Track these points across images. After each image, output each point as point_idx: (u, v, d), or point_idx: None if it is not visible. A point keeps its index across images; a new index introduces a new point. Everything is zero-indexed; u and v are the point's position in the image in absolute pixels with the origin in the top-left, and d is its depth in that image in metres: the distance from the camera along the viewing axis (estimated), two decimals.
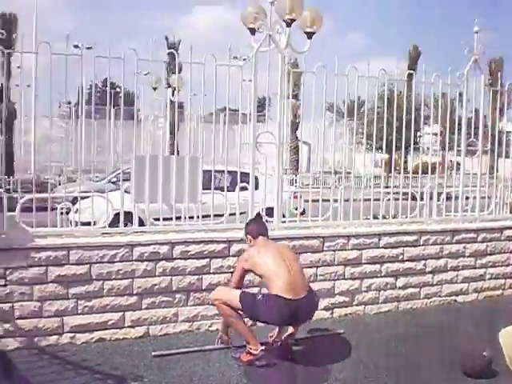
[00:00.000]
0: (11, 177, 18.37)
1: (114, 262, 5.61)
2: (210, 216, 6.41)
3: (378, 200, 7.29)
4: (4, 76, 6.73)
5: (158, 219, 6.20)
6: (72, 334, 5.52)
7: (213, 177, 6.42)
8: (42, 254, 5.41)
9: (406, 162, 17.29)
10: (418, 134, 7.42)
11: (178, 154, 7.04)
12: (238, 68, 6.52)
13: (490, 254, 7.62)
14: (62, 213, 6.29)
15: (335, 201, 6.98)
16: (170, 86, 12.56)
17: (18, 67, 6.02)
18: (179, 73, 8.71)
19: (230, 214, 6.53)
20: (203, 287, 5.95)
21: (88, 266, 5.54)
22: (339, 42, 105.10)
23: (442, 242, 7.19)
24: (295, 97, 9.73)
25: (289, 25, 6.90)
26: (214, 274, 5.99)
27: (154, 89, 10.97)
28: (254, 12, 6.81)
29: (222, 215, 6.49)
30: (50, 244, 5.49)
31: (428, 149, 9.72)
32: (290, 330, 5.43)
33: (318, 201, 6.99)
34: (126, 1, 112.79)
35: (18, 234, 5.60)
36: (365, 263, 6.69)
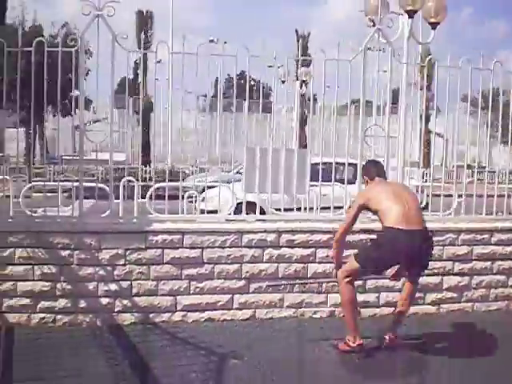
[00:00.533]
0: (148, 166, 19.50)
1: (224, 248, 5.97)
2: (329, 208, 6.60)
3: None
4: (141, 71, 7.22)
5: (279, 209, 6.49)
6: (184, 313, 5.94)
7: (333, 169, 6.64)
8: (158, 237, 5.87)
9: None
10: None
11: (305, 146, 7.32)
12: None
13: None
14: (190, 201, 6.70)
15: (460, 196, 6.94)
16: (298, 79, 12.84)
17: (159, 61, 6.51)
18: (308, 66, 8.93)
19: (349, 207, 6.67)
20: (308, 275, 6.16)
21: (200, 249, 5.94)
22: (478, 30, 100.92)
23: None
24: (428, 88, 9.63)
25: (411, 16, 6.95)
26: (319, 263, 6.18)
27: (283, 82, 11.30)
28: (375, 4, 6.92)
29: (342, 207, 6.66)
30: (166, 228, 5.94)
31: None
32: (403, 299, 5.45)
33: (445, 195, 7.04)
34: None
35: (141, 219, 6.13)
36: (475, 259, 6.59)
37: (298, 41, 35.20)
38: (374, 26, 6.76)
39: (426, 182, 8.20)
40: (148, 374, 4.64)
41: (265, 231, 6.05)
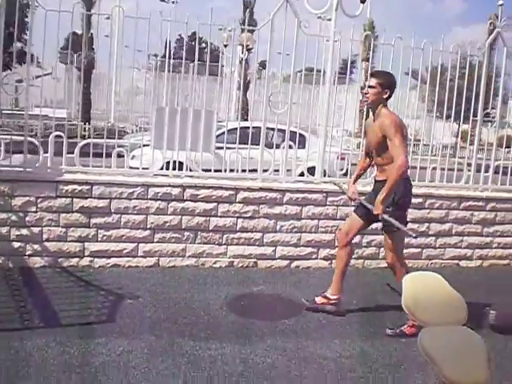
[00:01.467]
0: (87, 124, 19.58)
1: (131, 199, 6.37)
2: (256, 170, 7.03)
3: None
4: (84, 27, 7.37)
5: (209, 170, 6.87)
6: (91, 258, 6.35)
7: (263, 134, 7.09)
8: (69, 187, 6.23)
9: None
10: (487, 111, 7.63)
11: (247, 111, 7.69)
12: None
13: None
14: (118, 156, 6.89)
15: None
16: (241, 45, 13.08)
17: (108, 18, 6.72)
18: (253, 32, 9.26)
19: (275, 170, 7.16)
20: (210, 228, 6.64)
21: (108, 200, 6.33)
22: (437, 8, 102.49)
23: (447, 207, 7.55)
24: (368, 60, 10.11)
25: None
26: (220, 217, 6.66)
27: (225, 46, 11.58)
28: None
29: (266, 170, 7.11)
30: (76, 179, 6.29)
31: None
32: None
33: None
34: None
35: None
36: None
37: (244, 7, 35.14)
38: None
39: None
40: (48, 312, 5.04)
41: (169, 185, 6.47)
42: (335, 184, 6.33)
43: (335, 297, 5.42)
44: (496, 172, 8.23)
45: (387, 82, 5.15)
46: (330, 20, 7.49)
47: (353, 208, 5.71)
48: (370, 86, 5.16)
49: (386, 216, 4.93)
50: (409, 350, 4.70)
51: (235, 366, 4.23)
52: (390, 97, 5.19)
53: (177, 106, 6.72)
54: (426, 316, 3.01)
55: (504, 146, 8.88)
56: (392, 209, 5.01)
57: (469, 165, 8.10)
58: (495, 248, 7.87)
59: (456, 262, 7.60)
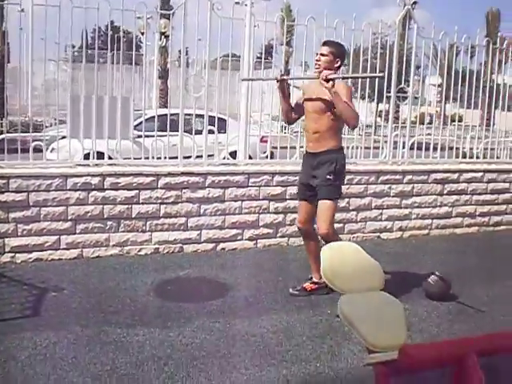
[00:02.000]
0: (3, 119, 18.96)
1: (50, 191, 6.24)
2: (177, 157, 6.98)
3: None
4: None
5: (128, 158, 6.83)
6: (12, 254, 6.19)
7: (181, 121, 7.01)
8: None
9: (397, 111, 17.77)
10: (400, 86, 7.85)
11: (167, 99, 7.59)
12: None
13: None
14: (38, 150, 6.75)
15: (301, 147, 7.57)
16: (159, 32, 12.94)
17: (22, 10, 6.50)
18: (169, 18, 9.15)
19: (197, 156, 7.17)
20: (133, 216, 6.60)
21: (26, 193, 6.18)
22: None
23: (366, 182, 7.76)
24: (288, 44, 10.21)
25: None
26: (142, 204, 6.62)
27: (142, 33, 11.40)
28: None
29: (190, 157, 7.12)
30: None
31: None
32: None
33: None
34: None
35: None
36: (288, 199, 7.28)
37: None
38: None
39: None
40: None
41: (88, 175, 6.38)
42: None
43: (322, 280, 5.35)
44: (412, 148, 8.50)
45: (338, 52, 5.23)
46: (246, 5, 7.53)
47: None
48: (322, 54, 5.18)
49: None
50: (333, 321, 4.82)
51: (163, 349, 4.25)
52: (340, 66, 5.24)
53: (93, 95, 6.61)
54: (345, 284, 3.09)
55: (418, 122, 9.15)
56: (332, 177, 5.16)
57: (386, 143, 8.33)
58: (414, 219, 8.15)
59: (377, 234, 7.83)
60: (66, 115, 6.49)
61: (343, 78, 5.21)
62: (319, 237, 5.36)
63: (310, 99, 5.33)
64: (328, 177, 5.13)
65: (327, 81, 4.85)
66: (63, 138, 6.90)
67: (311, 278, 5.60)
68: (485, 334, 2.67)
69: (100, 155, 6.76)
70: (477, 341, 2.56)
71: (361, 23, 7.77)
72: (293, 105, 5.59)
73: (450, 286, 5.57)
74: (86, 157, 6.77)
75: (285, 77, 5.46)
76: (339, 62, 5.19)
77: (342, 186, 5.43)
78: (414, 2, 7.98)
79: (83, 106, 6.40)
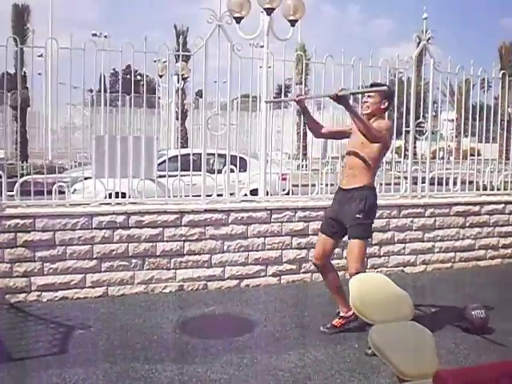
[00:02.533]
0: (25, 162, 19.39)
1: (75, 230, 6.32)
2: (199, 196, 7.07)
3: None
4: (18, 65, 7.30)
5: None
6: (38, 293, 6.24)
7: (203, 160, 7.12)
8: (11, 221, 6.14)
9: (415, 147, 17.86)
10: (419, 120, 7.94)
11: (186, 139, 7.74)
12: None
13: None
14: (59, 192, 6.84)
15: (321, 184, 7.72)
16: (177, 74, 13.12)
17: (40, 56, 6.65)
18: (187, 61, 9.31)
19: (218, 195, 7.24)
20: (157, 253, 6.64)
21: (52, 232, 6.26)
22: (366, 28, 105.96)
23: (388, 216, 7.76)
24: (304, 83, 10.33)
25: (269, 13, 7.54)
26: (166, 241, 6.67)
27: (161, 76, 11.59)
28: (239, 1, 7.45)
29: (211, 195, 7.20)
30: (18, 213, 6.22)
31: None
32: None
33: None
34: None
35: None
36: (311, 234, 7.30)
37: (177, 36, 35.45)
38: (238, 23, 7.33)
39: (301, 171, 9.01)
40: None
41: (113, 213, 6.45)
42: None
43: (350, 313, 5.32)
44: (432, 183, 8.53)
45: (386, 93, 5.28)
46: (262, 47, 7.68)
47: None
48: (369, 96, 5.28)
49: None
50: (362, 354, 4.82)
51: None
52: (388, 108, 5.34)
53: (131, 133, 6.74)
54: (374, 314, 3.12)
55: (437, 157, 9.18)
56: (362, 215, 5.15)
57: (406, 178, 8.36)
58: (437, 252, 8.13)
59: (401, 268, 7.80)
60: (91, 156, 6.61)
61: (352, 94, 5.31)
62: (350, 275, 5.33)
63: (353, 136, 5.39)
64: (358, 215, 5.13)
65: (338, 98, 4.87)
66: (86, 179, 7.01)
67: (338, 312, 5.57)
68: None
69: (122, 196, 6.88)
70: (510, 365, 2.56)
71: (377, 60, 7.89)
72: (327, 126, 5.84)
73: (488, 319, 5.52)
74: (109, 197, 6.83)
75: (302, 97, 5.54)
76: (386, 103, 5.26)
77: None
78: (430, 38, 8.03)
79: (107, 146, 6.51)
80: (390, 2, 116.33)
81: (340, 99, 4.88)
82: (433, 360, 2.81)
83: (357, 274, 4.83)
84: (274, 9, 7.58)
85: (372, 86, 5.54)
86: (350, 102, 5.18)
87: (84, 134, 7.21)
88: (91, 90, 7.35)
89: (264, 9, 7.53)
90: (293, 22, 7.81)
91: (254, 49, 7.66)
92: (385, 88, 5.24)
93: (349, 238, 5.27)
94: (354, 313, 4.98)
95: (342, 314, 5.50)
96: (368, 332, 2.79)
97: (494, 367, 2.47)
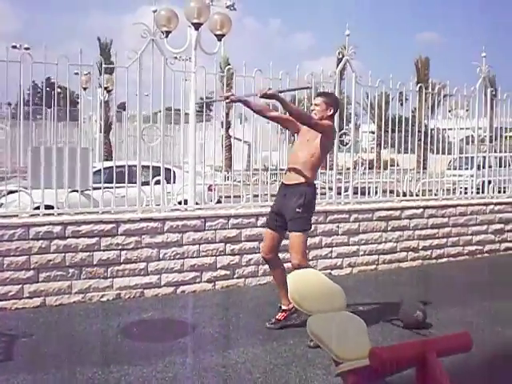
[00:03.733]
0: None
1: (12, 241, 6.37)
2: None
3: None
4: None
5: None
6: None
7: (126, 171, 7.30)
8: None
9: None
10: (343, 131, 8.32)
11: (111, 152, 7.82)
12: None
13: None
14: None
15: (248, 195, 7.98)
16: (101, 87, 13.12)
17: None
18: (111, 73, 9.41)
19: (146, 205, 7.37)
20: (94, 263, 6.76)
21: None
22: (287, 42, 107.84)
23: (315, 221, 8.12)
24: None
25: (197, 28, 7.80)
26: (103, 251, 6.80)
27: (85, 89, 11.60)
28: (167, 15, 7.67)
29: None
30: None
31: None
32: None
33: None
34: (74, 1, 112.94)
35: None
36: (244, 240, 7.59)
37: (100, 48, 35.20)
38: (166, 37, 7.56)
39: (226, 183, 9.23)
40: None
41: (50, 224, 6.54)
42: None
43: (290, 306, 5.59)
44: (355, 193, 9.00)
45: (331, 101, 5.73)
46: (186, 60, 7.94)
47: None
48: (315, 104, 5.70)
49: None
50: (297, 349, 5.14)
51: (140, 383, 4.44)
52: (333, 114, 5.75)
53: (51, 145, 6.83)
54: (312, 306, 3.43)
55: (358, 167, 9.66)
56: (301, 209, 5.51)
57: (330, 188, 8.78)
58: (362, 255, 8.58)
59: (328, 271, 8.17)
60: (28, 167, 6.67)
61: (280, 92, 5.65)
62: (293, 266, 5.57)
63: (299, 136, 5.85)
64: (297, 210, 5.49)
65: (268, 95, 5.38)
66: (10, 192, 7.04)
67: (280, 307, 5.87)
68: (443, 335, 3.04)
69: (49, 208, 6.93)
70: (436, 341, 2.92)
71: (302, 74, 8.30)
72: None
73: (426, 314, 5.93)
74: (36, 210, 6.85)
75: (233, 97, 5.78)
76: (332, 110, 5.67)
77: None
78: (352, 53, 8.51)
79: (43, 157, 6.60)
80: (310, 16, 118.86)
81: (271, 96, 5.38)
82: (366, 343, 3.13)
83: (299, 265, 5.21)
84: (201, 24, 7.86)
85: (319, 95, 5.96)
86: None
87: (4, 148, 7.20)
88: (9, 104, 7.37)
89: (192, 23, 7.81)
90: (219, 37, 8.11)
91: (178, 62, 7.91)
92: (309, 86, 5.69)
93: (289, 232, 5.61)
94: (292, 306, 5.34)
95: (283, 308, 5.82)
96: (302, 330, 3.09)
97: (416, 344, 2.82)
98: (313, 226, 7.72)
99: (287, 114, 5.63)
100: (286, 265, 5.96)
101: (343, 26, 8.52)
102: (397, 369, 2.93)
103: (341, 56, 8.68)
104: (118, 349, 5.25)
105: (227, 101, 5.86)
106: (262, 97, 5.49)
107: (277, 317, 5.83)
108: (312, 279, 3.79)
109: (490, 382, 4.51)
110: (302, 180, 5.59)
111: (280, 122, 6.26)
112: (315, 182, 5.94)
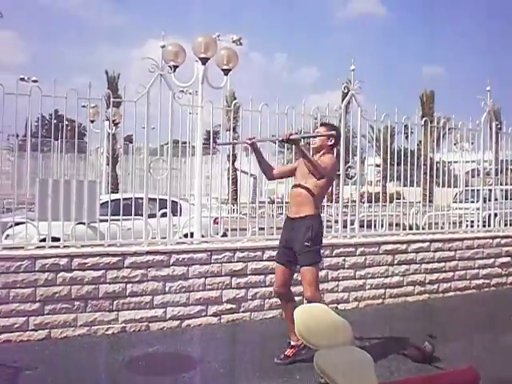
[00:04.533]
0: None
1: (19, 273, 6.37)
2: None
3: None
4: None
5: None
6: None
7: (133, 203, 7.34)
8: None
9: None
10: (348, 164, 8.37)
11: (117, 184, 7.89)
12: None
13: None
14: None
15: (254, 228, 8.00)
16: (108, 120, 13.29)
17: None
18: (118, 106, 9.51)
19: (152, 238, 7.39)
20: (100, 295, 6.75)
21: None
22: (293, 76, 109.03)
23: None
24: (234, 130, 10.66)
25: (204, 63, 7.91)
26: (109, 283, 6.79)
27: (92, 121, 11.72)
28: (174, 50, 7.79)
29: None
30: None
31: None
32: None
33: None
34: (81, 34, 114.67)
35: None
36: (250, 274, 7.58)
37: (108, 82, 35.60)
38: (174, 71, 7.65)
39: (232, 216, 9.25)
40: None
41: (56, 256, 6.55)
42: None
43: (300, 342, 5.46)
44: (361, 226, 9.00)
45: (333, 132, 5.81)
46: (191, 94, 8.03)
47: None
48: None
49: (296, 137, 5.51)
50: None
51: None
52: (334, 145, 5.92)
53: (60, 178, 6.88)
54: (318, 340, 3.41)
55: (365, 200, 9.69)
56: (310, 243, 5.50)
57: (336, 221, 8.78)
58: (368, 289, 8.53)
59: (335, 305, 8.11)
60: (35, 198, 6.70)
61: (303, 138, 5.93)
62: (306, 301, 5.61)
63: (299, 168, 5.81)
64: (306, 244, 5.49)
65: (288, 140, 5.44)
66: (17, 224, 7.07)
67: (289, 343, 5.83)
68: (448, 371, 3.02)
69: (56, 240, 6.94)
70: (442, 376, 2.90)
71: (308, 108, 8.37)
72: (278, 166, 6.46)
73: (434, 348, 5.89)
74: (42, 242, 6.89)
75: (254, 140, 5.93)
76: (333, 141, 5.80)
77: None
78: (357, 87, 8.60)
79: (51, 189, 6.64)
80: (316, 51, 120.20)
81: (291, 141, 5.42)
82: (372, 379, 3.11)
83: (313, 297, 5.23)
84: (208, 58, 7.98)
85: (322, 125, 6.11)
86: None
87: (6, 180, 7.24)
88: (17, 135, 7.44)
89: (199, 58, 7.92)
90: (226, 71, 8.22)
91: (184, 96, 8.00)
92: (333, 133, 5.75)
93: (300, 266, 5.60)
94: (302, 343, 5.33)
95: (292, 343, 5.77)
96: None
97: (422, 380, 2.80)
98: None
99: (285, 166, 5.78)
100: (297, 298, 5.93)
101: (349, 61, 8.60)
102: None
103: (346, 90, 8.78)
104: (122, 383, 5.22)
105: (249, 142, 5.86)
106: (284, 141, 5.57)
107: (286, 353, 5.78)
108: (318, 313, 3.78)
109: None
110: (308, 213, 5.60)
111: (282, 176, 6.44)
112: (321, 214, 5.93)
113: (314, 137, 5.90)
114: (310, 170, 5.40)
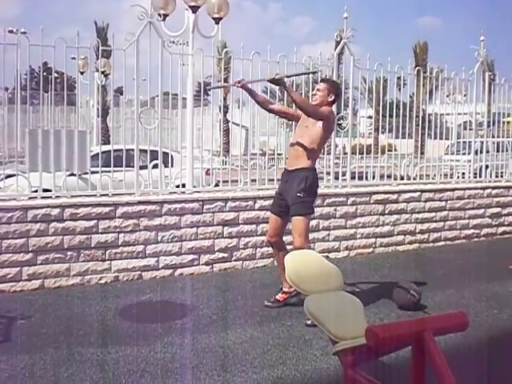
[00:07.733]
0: None
1: (11, 223, 6.38)
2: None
3: None
4: None
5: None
6: None
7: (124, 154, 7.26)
8: None
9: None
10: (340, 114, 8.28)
11: (108, 136, 7.83)
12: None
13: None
14: None
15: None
16: (98, 71, 13.14)
17: None
18: (107, 57, 9.31)
19: (144, 188, 7.38)
20: (92, 245, 6.78)
21: None
22: (287, 26, 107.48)
23: None
24: (225, 80, 10.55)
25: (194, 11, 7.77)
26: (101, 233, 6.82)
27: (82, 73, 11.55)
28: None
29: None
30: None
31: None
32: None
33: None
34: None
35: None
36: (241, 223, 7.62)
37: (97, 32, 34.98)
38: (164, 20, 7.51)
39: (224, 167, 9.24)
40: None
41: (48, 206, 6.55)
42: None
43: (292, 289, 5.65)
44: (352, 177, 9.00)
45: (333, 88, 5.85)
46: (181, 44, 7.91)
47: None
48: (318, 90, 5.84)
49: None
50: (295, 330, 5.18)
51: (137, 364, 4.45)
52: (334, 101, 5.92)
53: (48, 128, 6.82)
54: (309, 286, 3.46)
55: (357, 152, 9.70)
56: (303, 194, 5.60)
57: (328, 173, 8.80)
58: (359, 238, 8.61)
59: (326, 254, 8.18)
60: (25, 150, 6.66)
61: (287, 77, 6.01)
62: (295, 248, 5.63)
63: (300, 122, 5.92)
64: (299, 194, 5.59)
65: (276, 80, 5.58)
66: (8, 177, 7.04)
67: (281, 288, 5.95)
68: (440, 314, 3.06)
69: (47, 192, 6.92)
70: (433, 319, 2.95)
71: (301, 57, 8.27)
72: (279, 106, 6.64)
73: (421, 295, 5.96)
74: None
75: (243, 81, 6.02)
76: (333, 97, 5.80)
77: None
78: (350, 36, 8.49)
79: (41, 140, 6.59)
80: (311, 1, 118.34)
81: (278, 81, 5.56)
82: (362, 322, 3.16)
83: (301, 247, 5.27)
84: (198, 7, 7.82)
85: (322, 81, 6.03)
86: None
87: (1, 133, 7.16)
88: (6, 88, 7.34)
89: (189, 6, 7.77)
90: (217, 20, 8.08)
91: (175, 46, 7.88)
92: (316, 71, 5.82)
93: (291, 216, 5.69)
94: (294, 289, 5.39)
95: (284, 289, 5.90)
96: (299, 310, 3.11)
97: (413, 322, 2.85)
98: None
99: (287, 107, 5.74)
100: (288, 247, 5.98)
101: (342, 10, 8.45)
102: (393, 347, 2.96)
103: (339, 39, 8.67)
104: (116, 330, 5.28)
105: (238, 85, 5.94)
106: (269, 81, 5.70)
107: (276, 297, 5.92)
108: (309, 260, 3.81)
109: (486, 363, 4.54)
110: (304, 165, 5.69)
111: (281, 114, 6.41)
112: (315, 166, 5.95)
113: (298, 75, 5.97)
114: (302, 107, 5.52)
